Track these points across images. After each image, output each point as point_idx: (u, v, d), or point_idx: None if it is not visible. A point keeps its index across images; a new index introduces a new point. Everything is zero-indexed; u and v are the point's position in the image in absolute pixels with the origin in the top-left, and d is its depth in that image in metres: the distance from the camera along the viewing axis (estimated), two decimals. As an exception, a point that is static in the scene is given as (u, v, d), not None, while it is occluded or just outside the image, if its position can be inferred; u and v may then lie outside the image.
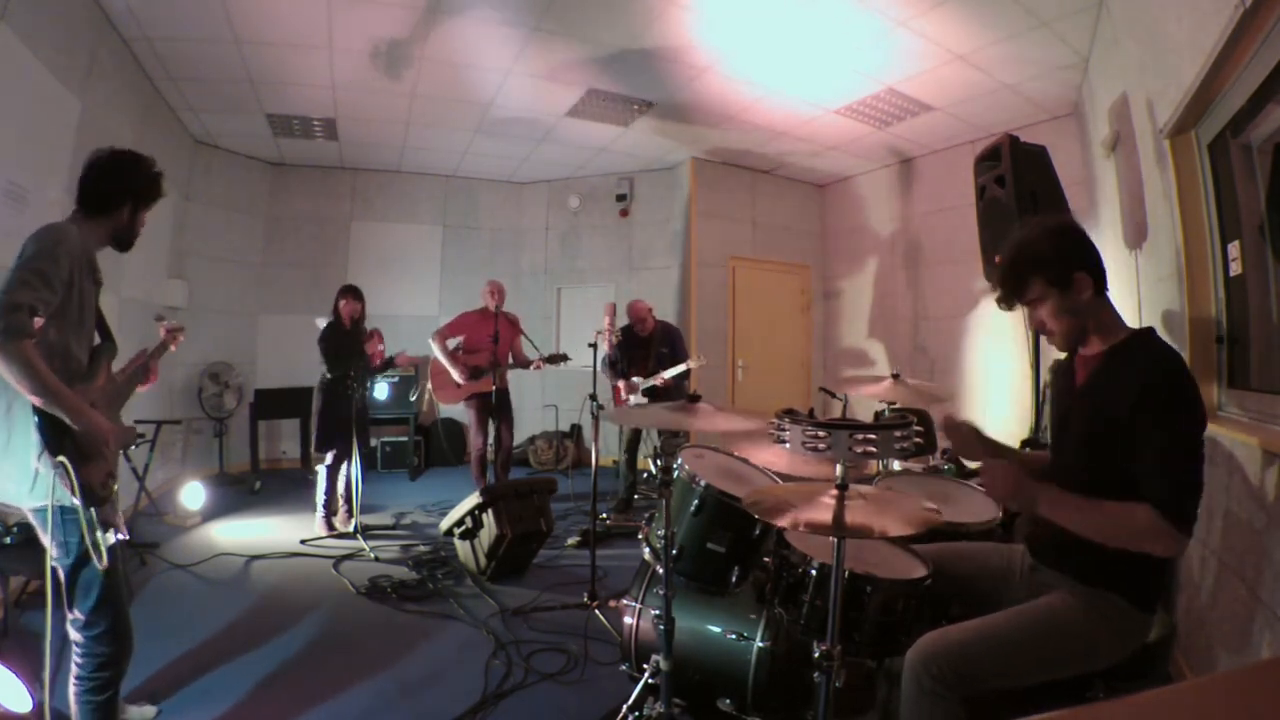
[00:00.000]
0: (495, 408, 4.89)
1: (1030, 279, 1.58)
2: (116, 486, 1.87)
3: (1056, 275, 1.55)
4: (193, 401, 6.08)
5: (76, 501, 1.71)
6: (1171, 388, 1.41)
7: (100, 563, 1.76)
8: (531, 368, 4.95)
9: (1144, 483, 1.40)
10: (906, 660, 1.56)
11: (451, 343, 5.06)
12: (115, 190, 1.90)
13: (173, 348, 2.35)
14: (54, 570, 1.83)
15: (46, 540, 1.78)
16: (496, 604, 3.38)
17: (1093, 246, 1.58)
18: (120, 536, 1.89)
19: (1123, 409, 1.44)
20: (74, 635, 1.86)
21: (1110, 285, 1.59)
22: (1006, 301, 1.67)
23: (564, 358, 4.96)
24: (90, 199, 1.89)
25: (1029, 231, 1.62)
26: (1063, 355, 3.77)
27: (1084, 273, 1.53)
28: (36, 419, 1.68)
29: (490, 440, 5.00)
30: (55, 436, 1.68)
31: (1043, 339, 3.62)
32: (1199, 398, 1.44)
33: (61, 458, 1.67)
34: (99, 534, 1.75)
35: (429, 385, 5.22)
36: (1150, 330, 1.58)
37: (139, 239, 2.07)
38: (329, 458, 4.55)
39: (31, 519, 1.81)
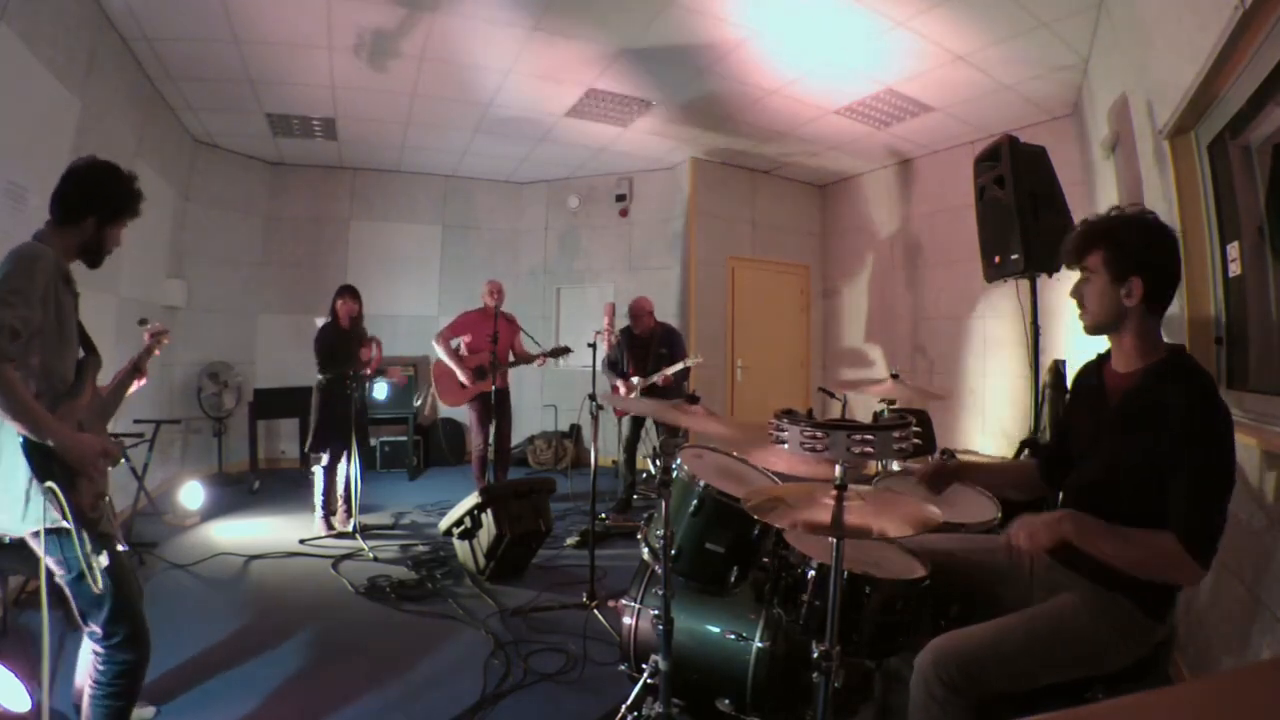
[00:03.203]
0: (496, 407, 4.92)
1: (1096, 248, 1.55)
2: (108, 500, 1.84)
3: (1117, 260, 1.52)
4: (191, 401, 6.07)
5: (68, 524, 1.68)
6: (1206, 419, 1.40)
7: (95, 586, 1.73)
8: (536, 364, 4.99)
9: (1172, 513, 1.40)
10: (916, 666, 1.55)
11: (454, 343, 5.09)
12: (80, 200, 1.84)
13: (157, 351, 2.33)
14: (55, 579, 1.80)
15: (49, 561, 1.76)
16: (495, 604, 3.38)
17: (1171, 267, 1.53)
18: (121, 547, 1.87)
19: (1160, 437, 1.43)
20: (94, 647, 1.84)
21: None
22: (1068, 257, 1.63)
23: (566, 350, 5.02)
24: (57, 206, 1.84)
25: (1132, 212, 1.57)
26: (1063, 358, 3.76)
27: (1140, 278, 1.49)
28: (23, 443, 1.64)
29: (491, 439, 5.04)
30: (42, 461, 1.65)
31: (1042, 339, 3.63)
32: (1231, 426, 1.43)
33: (50, 483, 1.64)
34: (93, 557, 1.72)
35: (433, 389, 5.23)
36: (1182, 350, 1.56)
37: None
38: (325, 458, 4.54)
39: (30, 541, 1.77)
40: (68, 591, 1.79)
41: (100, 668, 1.84)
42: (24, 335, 1.63)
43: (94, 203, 1.85)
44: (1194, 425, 1.40)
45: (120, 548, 1.87)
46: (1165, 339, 1.60)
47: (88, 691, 1.86)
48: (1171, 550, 1.36)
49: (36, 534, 1.74)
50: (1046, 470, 1.87)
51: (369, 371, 4.73)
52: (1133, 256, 1.51)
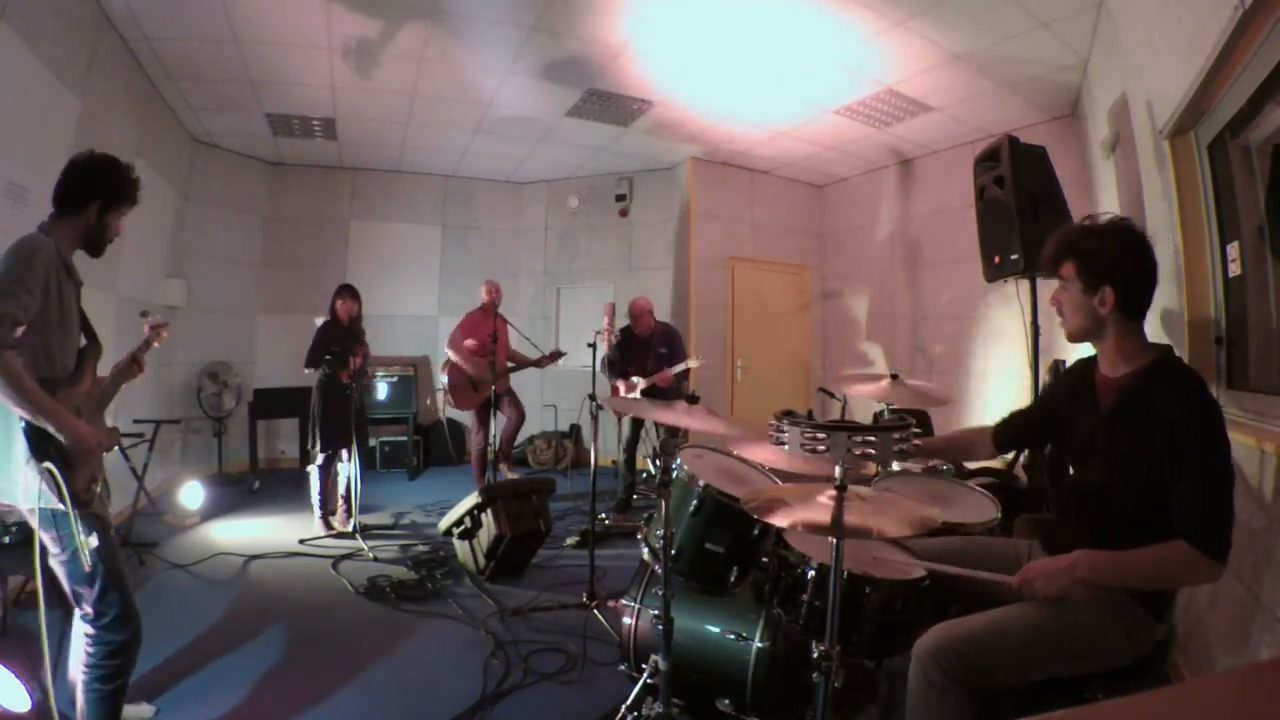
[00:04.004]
0: (496, 406, 5.03)
1: (1067, 259, 1.59)
2: (99, 488, 1.91)
3: (1087, 271, 1.55)
4: (191, 401, 6.07)
5: (62, 505, 1.76)
6: (1204, 420, 1.42)
7: (85, 565, 1.81)
8: (542, 365, 5.20)
9: (1182, 517, 1.41)
10: (914, 653, 1.56)
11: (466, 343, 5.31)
12: (83, 189, 1.92)
13: (156, 344, 2.36)
14: (49, 569, 1.86)
15: (45, 537, 1.82)
16: (495, 604, 3.38)
17: (1142, 272, 1.54)
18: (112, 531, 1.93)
19: (1158, 440, 1.44)
20: (85, 628, 1.90)
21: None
22: (1045, 268, 1.67)
23: (560, 354, 5.22)
24: (60, 197, 1.92)
25: (1100, 222, 1.60)
26: (1063, 358, 3.76)
27: (1111, 287, 1.52)
28: (23, 426, 1.72)
29: (492, 438, 5.16)
30: (40, 443, 1.73)
31: (1042, 339, 3.63)
32: (1224, 422, 1.44)
33: (47, 464, 1.72)
34: (83, 536, 1.80)
35: (443, 391, 5.35)
36: (1169, 351, 1.57)
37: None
38: (320, 458, 4.53)
39: (29, 518, 1.85)
40: (61, 571, 1.86)
41: (91, 650, 1.89)
42: (25, 324, 1.70)
43: (96, 189, 1.93)
44: (1194, 428, 1.41)
45: (111, 531, 1.95)
46: (1166, 338, 1.60)
47: (81, 679, 1.91)
48: (1186, 556, 1.38)
49: (33, 510, 1.81)
50: (1002, 436, 1.94)
51: (362, 373, 4.68)
52: (1102, 267, 1.53)
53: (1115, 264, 1.53)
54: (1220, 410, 1.45)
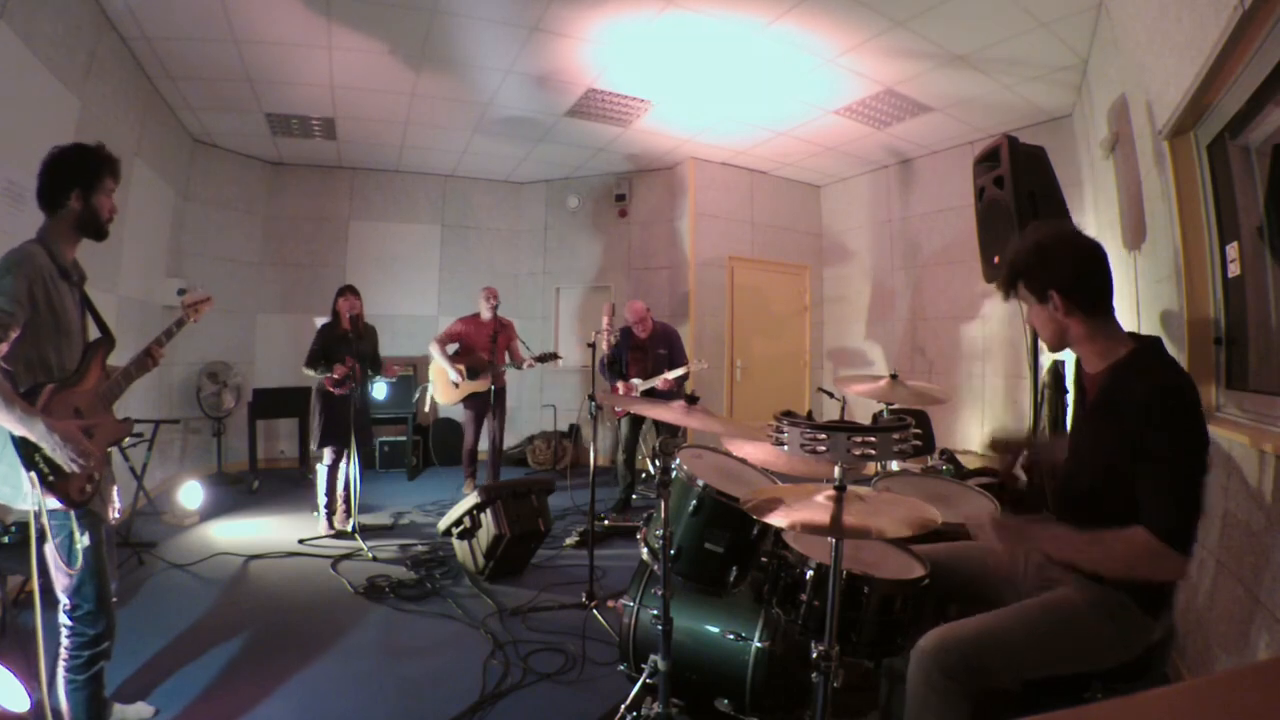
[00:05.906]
0: (493, 405, 5.20)
1: (1016, 281, 1.66)
2: (95, 484, 1.91)
3: (1034, 286, 1.61)
4: (191, 401, 6.07)
5: (55, 506, 1.80)
6: (1169, 408, 1.41)
7: (72, 565, 1.85)
8: (524, 366, 5.26)
9: (1142, 505, 1.42)
10: (914, 655, 1.56)
11: (450, 348, 5.41)
12: (59, 181, 1.93)
13: (194, 319, 2.35)
14: (46, 570, 1.90)
15: (45, 522, 1.86)
16: (494, 604, 3.38)
17: (1080, 266, 1.56)
18: (116, 515, 1.97)
19: (1127, 428, 1.44)
20: (63, 619, 1.93)
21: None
22: (1007, 296, 1.73)
23: (555, 356, 5.25)
24: (42, 197, 1.93)
25: (1026, 237, 1.67)
26: (1062, 358, 3.76)
27: (1056, 291, 1.56)
28: (11, 434, 1.74)
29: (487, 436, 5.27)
30: (27, 452, 1.76)
31: (1041, 340, 3.63)
32: (1199, 417, 1.43)
33: (33, 474, 1.75)
34: (77, 535, 1.84)
35: (429, 387, 5.45)
36: (1155, 343, 1.57)
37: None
38: (328, 457, 4.54)
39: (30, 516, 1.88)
40: (49, 556, 1.88)
41: (67, 641, 1.93)
42: (5, 340, 1.72)
43: (71, 178, 1.93)
44: (1154, 413, 1.41)
45: (115, 514, 1.99)
46: (1164, 339, 1.61)
47: (61, 676, 1.94)
48: (1145, 544, 1.37)
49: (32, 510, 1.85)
50: None
51: (347, 380, 4.50)
52: (1039, 276, 1.59)
53: (1048, 269, 1.58)
54: (1191, 399, 1.43)
